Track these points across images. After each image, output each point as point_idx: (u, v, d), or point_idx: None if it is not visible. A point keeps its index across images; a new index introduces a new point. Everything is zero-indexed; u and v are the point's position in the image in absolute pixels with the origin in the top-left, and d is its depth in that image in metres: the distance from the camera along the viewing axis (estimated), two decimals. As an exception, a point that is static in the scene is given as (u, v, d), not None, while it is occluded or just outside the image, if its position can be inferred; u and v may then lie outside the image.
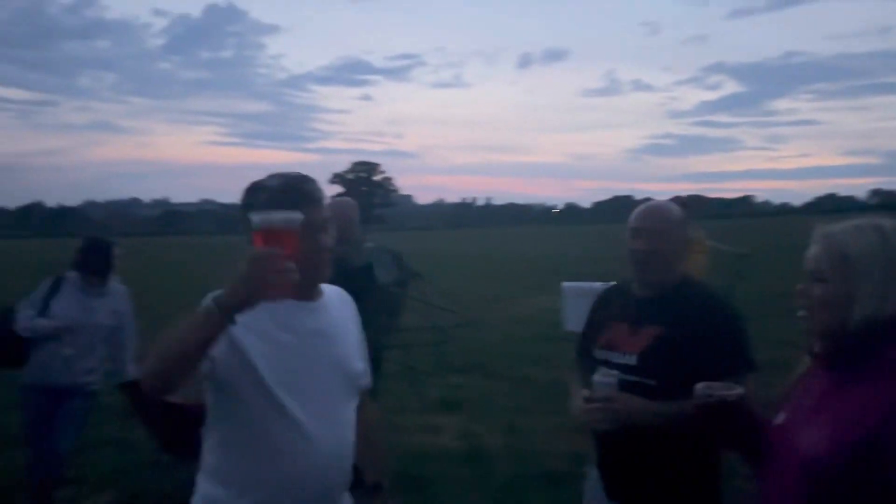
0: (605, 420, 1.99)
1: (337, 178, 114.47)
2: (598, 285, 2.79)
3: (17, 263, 26.60)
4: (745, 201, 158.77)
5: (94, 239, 3.98)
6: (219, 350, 1.59)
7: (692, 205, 4.56)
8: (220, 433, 1.74)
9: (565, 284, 4.87)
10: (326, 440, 1.74)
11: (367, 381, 2.02)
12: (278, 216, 1.49)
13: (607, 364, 2.11)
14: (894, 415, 1.36)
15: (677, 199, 4.58)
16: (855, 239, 1.48)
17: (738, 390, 1.62)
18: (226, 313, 1.45)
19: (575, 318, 4.31)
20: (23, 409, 3.90)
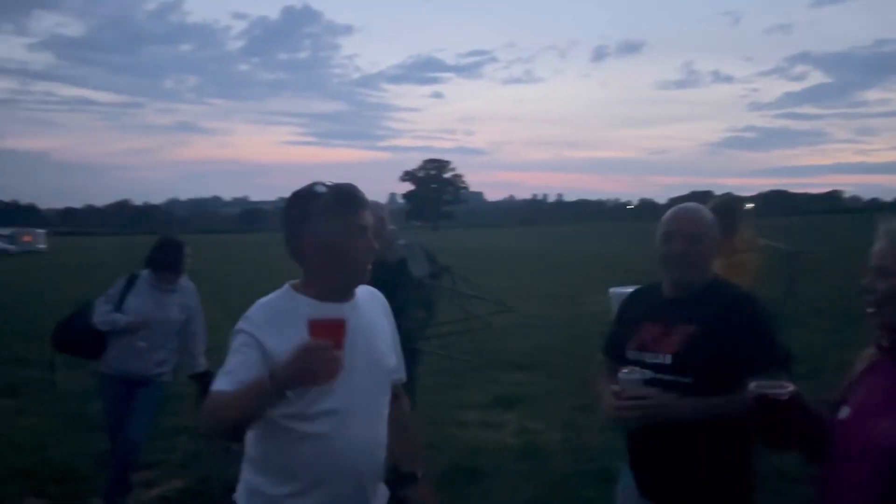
0: (634, 416, 2.02)
1: (408, 176, 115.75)
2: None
3: (105, 259, 28.16)
4: (833, 197, 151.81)
5: (167, 238, 4.24)
6: (255, 362, 1.73)
7: (732, 205, 4.47)
8: (262, 426, 1.83)
9: (612, 290, 4.83)
10: (361, 432, 1.84)
11: (400, 375, 2.10)
12: (328, 312, 1.70)
13: (641, 364, 2.13)
14: None
15: (723, 200, 4.51)
16: None
17: (790, 388, 1.62)
18: (278, 390, 1.62)
19: None
20: (103, 397, 4.19)
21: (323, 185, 1.89)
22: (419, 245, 4.58)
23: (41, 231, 51.79)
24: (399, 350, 2.11)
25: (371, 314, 1.99)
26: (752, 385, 1.65)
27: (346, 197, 1.87)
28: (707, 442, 2.06)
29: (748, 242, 4.45)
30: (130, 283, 4.12)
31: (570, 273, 20.56)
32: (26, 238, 47.18)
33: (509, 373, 7.93)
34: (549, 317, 12.07)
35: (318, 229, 1.83)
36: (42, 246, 47.75)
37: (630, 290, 2.55)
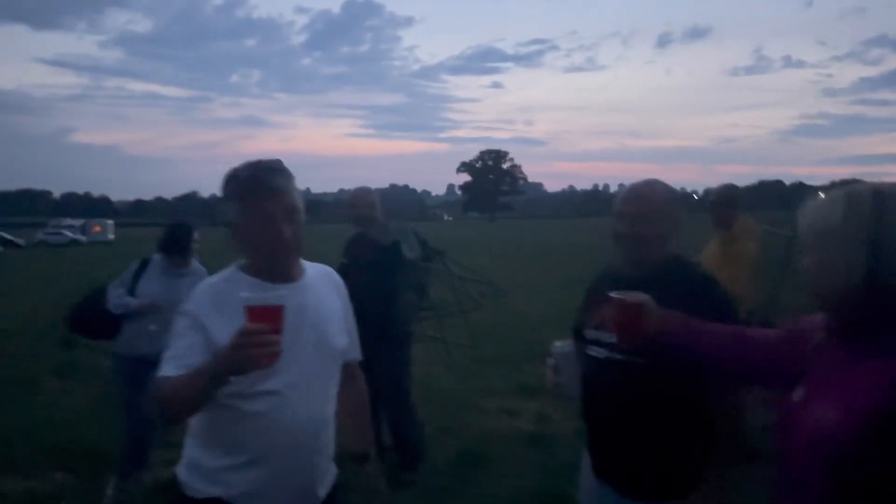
0: (562, 389, 2.12)
1: (464, 167, 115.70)
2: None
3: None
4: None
5: (176, 223, 4.38)
6: (199, 345, 1.76)
7: (730, 195, 4.49)
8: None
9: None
10: (304, 412, 1.86)
11: (354, 355, 2.13)
12: (266, 297, 1.66)
13: (598, 343, 2.14)
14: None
15: (720, 191, 4.55)
16: (820, 211, 1.51)
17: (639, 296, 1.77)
18: (222, 377, 1.64)
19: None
20: (118, 378, 4.38)
21: (249, 167, 1.86)
22: (411, 228, 4.63)
23: (110, 222, 53.94)
24: (354, 330, 2.13)
25: (321, 294, 1.99)
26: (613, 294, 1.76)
27: (252, 182, 1.82)
28: (661, 424, 2.04)
29: (747, 231, 4.39)
30: (143, 267, 4.29)
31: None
32: (96, 228, 49.37)
33: (538, 363, 7.87)
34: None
35: (229, 212, 1.84)
36: (111, 236, 49.80)
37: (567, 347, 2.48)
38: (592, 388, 2.15)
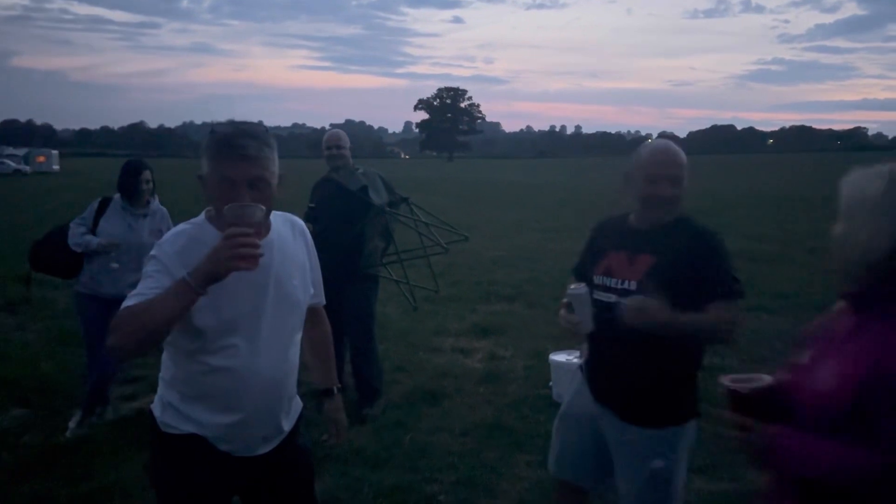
0: (579, 326, 2.29)
1: (422, 105, 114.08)
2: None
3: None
4: (857, 134, 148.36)
5: (131, 162, 4.36)
6: (165, 287, 1.77)
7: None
8: (170, 352, 1.98)
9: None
10: (268, 365, 1.94)
11: (319, 300, 2.21)
12: (246, 210, 1.73)
13: (606, 289, 2.37)
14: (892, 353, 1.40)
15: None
16: (860, 182, 1.55)
17: (761, 381, 1.68)
18: (198, 286, 1.69)
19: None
20: (78, 315, 4.41)
21: (227, 126, 1.86)
22: (377, 174, 4.67)
23: (55, 152, 52.01)
24: (319, 279, 2.19)
25: (287, 248, 2.02)
26: (725, 379, 1.71)
27: (224, 143, 1.81)
28: (657, 352, 2.27)
29: None
30: (103, 206, 4.27)
31: (576, 206, 20.55)
32: (40, 159, 47.56)
33: (491, 303, 8.13)
34: (544, 250, 12.21)
35: (203, 165, 1.87)
36: (56, 167, 48.06)
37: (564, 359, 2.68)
38: (601, 328, 2.34)
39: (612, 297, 2.33)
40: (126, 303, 1.76)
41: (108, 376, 4.39)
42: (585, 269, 2.53)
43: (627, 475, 2.42)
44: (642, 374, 2.32)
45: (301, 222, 2.17)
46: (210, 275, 1.69)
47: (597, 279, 2.40)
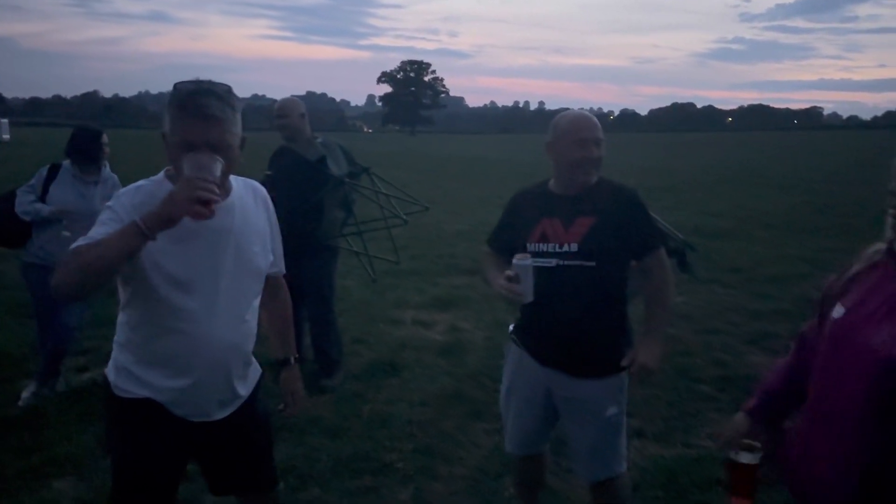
0: (522, 296, 2.36)
1: (385, 78, 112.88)
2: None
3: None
4: (812, 113, 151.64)
5: (82, 128, 4.23)
6: None
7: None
8: (126, 314, 1.95)
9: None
10: (224, 330, 1.92)
11: (278, 268, 2.19)
12: (205, 160, 1.72)
13: (544, 254, 2.46)
14: None
15: None
16: None
17: (754, 455, 1.73)
18: (148, 230, 1.65)
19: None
20: (28, 286, 4.29)
21: (191, 84, 1.82)
22: (337, 144, 4.60)
23: (4, 121, 50.24)
24: (279, 246, 2.17)
25: (247, 213, 2.00)
26: (731, 453, 1.77)
27: (187, 100, 1.78)
28: (595, 308, 2.44)
29: None
30: (53, 173, 4.14)
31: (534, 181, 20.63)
32: (-11, 128, 45.86)
33: (452, 276, 8.15)
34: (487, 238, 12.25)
35: (165, 121, 1.83)
36: (6, 136, 46.44)
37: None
38: (543, 293, 2.40)
39: (553, 262, 2.44)
40: (74, 245, 1.73)
41: (62, 348, 4.30)
42: (508, 240, 2.60)
43: (581, 430, 2.54)
44: (587, 328, 2.46)
45: (263, 189, 2.16)
46: (163, 218, 1.67)
47: (532, 247, 2.48)
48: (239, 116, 1.86)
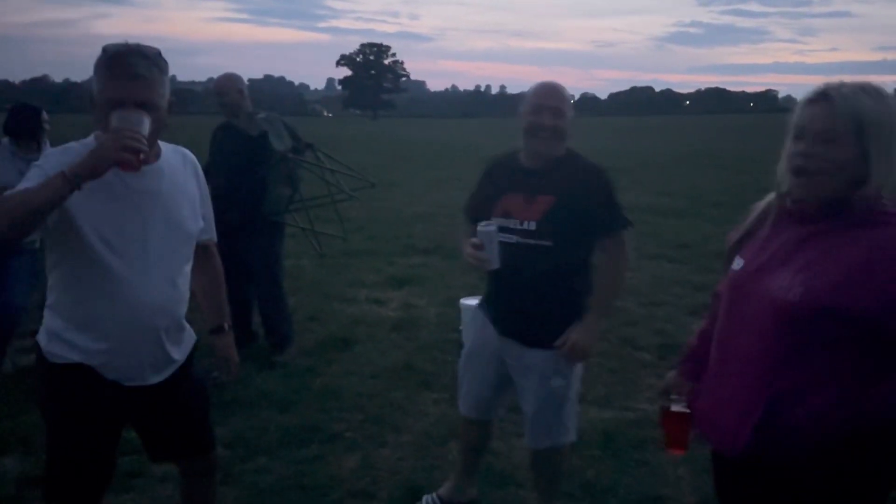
0: (487, 262, 2.44)
1: (344, 61, 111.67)
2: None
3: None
4: (768, 97, 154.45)
5: (22, 105, 4.18)
6: None
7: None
8: (56, 276, 1.97)
9: (462, 302, 4.86)
10: (155, 294, 1.94)
11: (209, 235, 2.21)
12: (133, 116, 1.75)
13: (507, 230, 2.49)
14: (872, 256, 1.44)
15: None
16: (872, 102, 1.49)
17: (684, 405, 1.83)
18: (74, 178, 1.67)
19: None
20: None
21: (119, 44, 1.86)
22: (280, 119, 4.59)
23: (-52, 106, 48.44)
24: (210, 212, 2.19)
25: (176, 178, 2.03)
26: (663, 402, 1.88)
27: (113, 60, 1.83)
28: (552, 283, 2.49)
29: None
30: (-10, 151, 4.09)
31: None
32: (-68, 113, 44.23)
33: (408, 256, 8.21)
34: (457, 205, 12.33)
35: (92, 86, 1.86)
36: (-49, 122, 44.74)
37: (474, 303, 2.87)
38: (504, 265, 2.48)
39: (513, 238, 2.48)
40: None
41: (9, 328, 4.25)
42: (479, 209, 2.65)
43: (530, 397, 2.61)
44: (541, 302, 2.51)
45: (192, 155, 2.18)
46: (90, 166, 1.69)
47: (495, 220, 2.51)
48: (167, 79, 1.90)
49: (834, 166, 1.49)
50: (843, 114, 1.48)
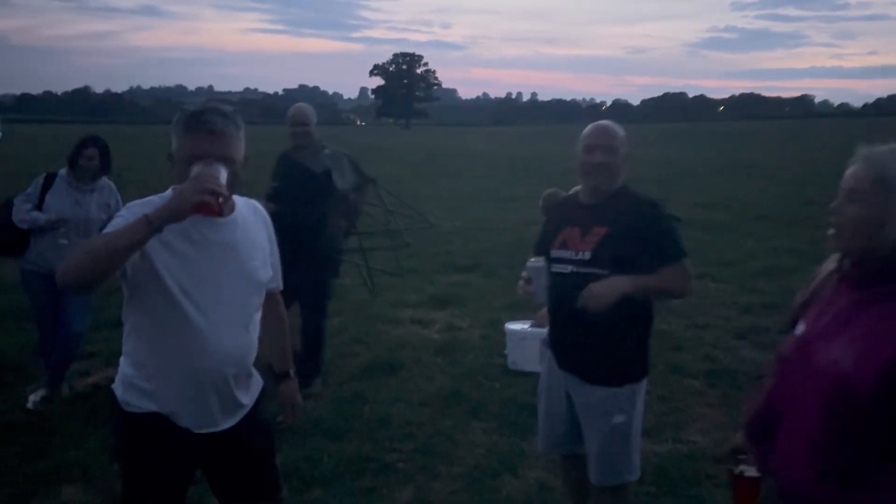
0: (534, 296, 2.53)
1: (377, 70, 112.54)
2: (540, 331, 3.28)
3: (66, 150, 27.12)
4: (804, 101, 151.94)
5: (94, 138, 4.29)
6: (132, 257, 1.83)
7: None
8: (132, 324, 2.02)
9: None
10: (227, 342, 1.99)
11: (276, 284, 2.26)
12: (213, 167, 1.82)
13: (563, 261, 2.58)
14: None
15: None
16: (885, 162, 1.53)
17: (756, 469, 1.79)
18: (156, 220, 1.73)
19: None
20: (26, 292, 4.36)
21: (200, 103, 1.95)
22: (345, 155, 4.62)
23: (-3, 118, 49.93)
24: (277, 262, 2.25)
25: (249, 230, 2.09)
26: (734, 468, 1.84)
27: (193, 117, 1.90)
28: (611, 318, 2.46)
29: None
30: (48, 181, 4.21)
31: (531, 176, 20.69)
32: (-17, 125, 45.56)
33: (449, 274, 8.22)
34: (500, 220, 12.33)
35: (172, 143, 1.93)
36: (-1, 134, 46.17)
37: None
38: (559, 297, 2.56)
39: (568, 268, 2.56)
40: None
41: (73, 354, 4.37)
42: (541, 245, 2.75)
43: (593, 433, 2.62)
44: (600, 338, 2.53)
45: (262, 208, 2.25)
46: (171, 209, 1.75)
47: (554, 253, 2.62)
48: (242, 135, 1.97)
49: (854, 223, 1.54)
50: (870, 173, 1.54)
